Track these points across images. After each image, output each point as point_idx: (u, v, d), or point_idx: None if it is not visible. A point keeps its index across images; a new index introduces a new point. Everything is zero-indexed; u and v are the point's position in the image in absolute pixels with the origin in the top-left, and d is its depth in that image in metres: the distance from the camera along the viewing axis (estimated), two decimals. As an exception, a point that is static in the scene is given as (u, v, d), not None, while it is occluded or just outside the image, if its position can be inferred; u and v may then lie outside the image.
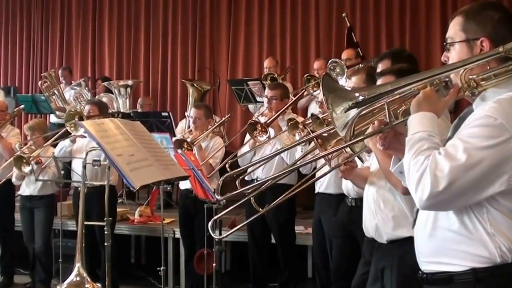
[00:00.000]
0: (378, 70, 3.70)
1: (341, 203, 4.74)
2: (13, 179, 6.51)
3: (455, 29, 2.23)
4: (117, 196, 7.11)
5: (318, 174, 4.06)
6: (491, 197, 2.02)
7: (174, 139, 5.95)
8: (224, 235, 4.48)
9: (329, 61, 6.80)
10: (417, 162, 2.00)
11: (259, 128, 5.49)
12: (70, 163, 6.30)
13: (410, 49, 8.12)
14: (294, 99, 6.16)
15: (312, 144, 3.59)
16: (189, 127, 6.30)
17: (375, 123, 2.71)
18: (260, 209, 3.42)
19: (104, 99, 8.99)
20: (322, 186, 5.12)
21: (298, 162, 4.13)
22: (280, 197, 3.33)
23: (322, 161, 3.60)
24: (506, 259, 2.03)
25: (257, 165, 4.99)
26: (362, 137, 2.36)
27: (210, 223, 3.61)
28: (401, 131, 2.38)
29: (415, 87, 2.17)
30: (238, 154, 5.70)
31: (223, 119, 6.58)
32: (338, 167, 3.48)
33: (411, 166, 2.03)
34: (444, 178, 1.93)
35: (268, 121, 5.49)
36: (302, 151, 4.54)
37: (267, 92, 5.80)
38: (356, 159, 3.54)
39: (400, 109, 2.47)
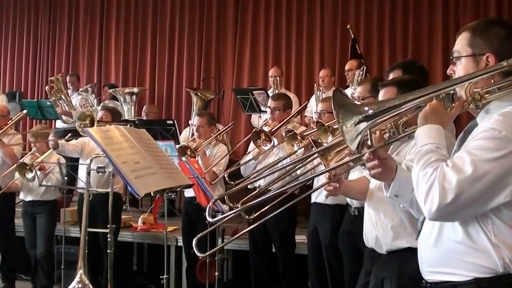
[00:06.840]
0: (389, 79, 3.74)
1: (337, 214, 4.74)
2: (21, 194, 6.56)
3: (462, 44, 2.28)
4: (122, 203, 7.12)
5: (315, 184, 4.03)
6: (496, 208, 2.05)
7: (178, 146, 5.97)
8: (207, 253, 4.10)
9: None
10: (425, 174, 2.05)
11: (263, 137, 5.50)
12: (75, 169, 6.31)
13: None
14: (297, 110, 6.22)
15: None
16: (192, 135, 6.33)
17: (377, 134, 2.76)
18: (247, 217, 3.30)
19: (110, 106, 9.01)
20: (319, 196, 5.08)
21: (301, 177, 4.03)
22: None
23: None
24: (509, 269, 2.06)
25: (263, 174, 4.92)
26: (369, 151, 2.39)
27: (194, 241, 3.24)
28: (384, 155, 2.45)
29: (423, 101, 2.22)
30: (241, 163, 5.72)
31: (227, 126, 6.65)
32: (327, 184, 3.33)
33: (419, 178, 2.08)
34: (452, 190, 1.97)
35: (271, 131, 5.50)
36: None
37: (270, 102, 5.84)
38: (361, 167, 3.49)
39: (401, 121, 2.52)
